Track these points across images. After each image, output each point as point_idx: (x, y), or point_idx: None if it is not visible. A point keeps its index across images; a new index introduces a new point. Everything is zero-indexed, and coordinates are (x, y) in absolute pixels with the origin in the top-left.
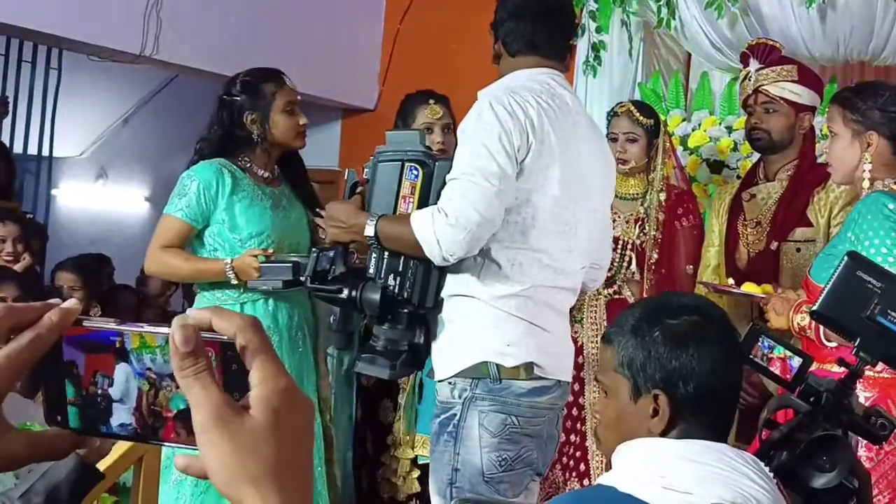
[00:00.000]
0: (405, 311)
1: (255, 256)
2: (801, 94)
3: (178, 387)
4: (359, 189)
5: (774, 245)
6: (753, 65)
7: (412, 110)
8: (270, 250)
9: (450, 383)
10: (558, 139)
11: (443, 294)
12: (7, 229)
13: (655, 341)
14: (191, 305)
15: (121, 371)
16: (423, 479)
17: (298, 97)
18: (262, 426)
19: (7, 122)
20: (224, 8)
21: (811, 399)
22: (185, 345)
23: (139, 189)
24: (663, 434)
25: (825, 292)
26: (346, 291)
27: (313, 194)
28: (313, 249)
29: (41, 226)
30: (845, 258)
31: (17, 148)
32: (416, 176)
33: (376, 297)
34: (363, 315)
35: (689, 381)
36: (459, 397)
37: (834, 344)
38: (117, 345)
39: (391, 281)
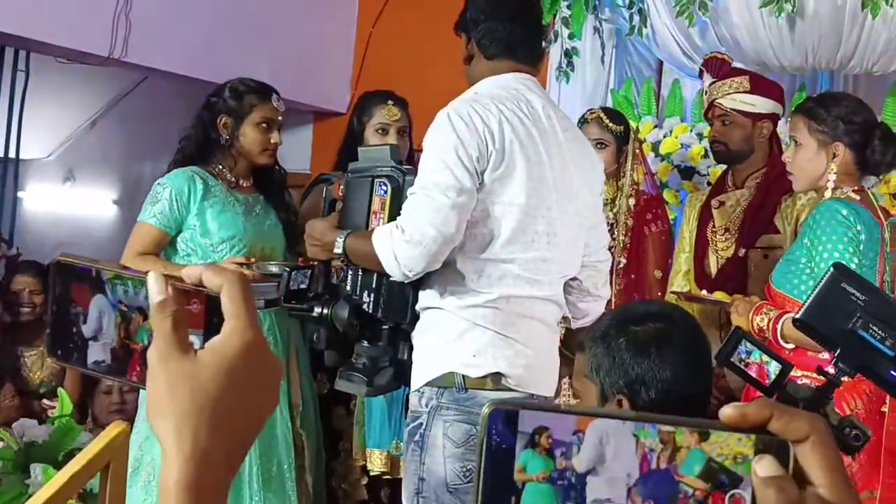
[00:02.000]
0: (385, 327)
1: (238, 263)
2: (756, 104)
3: (144, 318)
4: (338, 206)
5: (742, 252)
6: (707, 79)
7: (369, 108)
8: (252, 259)
9: (418, 392)
10: (522, 147)
11: (417, 307)
12: None
13: (620, 347)
14: None
15: (95, 305)
16: (372, 487)
17: (279, 117)
18: (205, 368)
19: None
20: (195, 9)
21: None
22: (157, 295)
23: (107, 192)
24: None
25: (809, 301)
26: (317, 309)
27: (288, 204)
28: (286, 269)
29: None
30: (831, 269)
31: None
32: (385, 192)
33: (345, 313)
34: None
35: (650, 387)
36: (426, 406)
37: (791, 346)
38: (93, 273)
39: (366, 297)
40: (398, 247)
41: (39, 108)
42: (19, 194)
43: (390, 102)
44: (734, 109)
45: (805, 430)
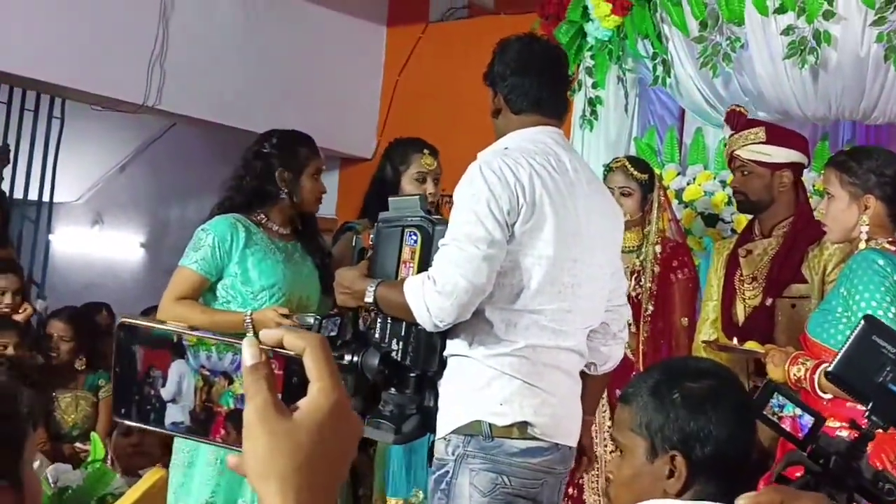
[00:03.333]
0: (412, 375)
1: (281, 314)
2: (772, 154)
3: (229, 383)
4: (367, 255)
5: (770, 301)
6: (726, 131)
7: (406, 157)
8: (287, 311)
9: (445, 440)
10: (552, 200)
11: (445, 354)
12: (7, 281)
13: (675, 403)
14: None
15: (175, 369)
16: None
17: (323, 166)
18: (302, 430)
19: (8, 168)
20: (225, 58)
21: (820, 461)
22: (250, 359)
23: (134, 235)
24: (678, 496)
25: (840, 355)
26: (347, 357)
27: (323, 249)
28: (316, 316)
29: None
30: (862, 322)
31: (18, 194)
32: (416, 241)
33: (375, 361)
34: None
35: (706, 444)
36: (452, 454)
37: (829, 396)
38: (174, 339)
39: (395, 345)
40: (430, 297)
41: (71, 153)
42: (49, 237)
43: (426, 151)
44: (751, 160)
45: (303, 343)
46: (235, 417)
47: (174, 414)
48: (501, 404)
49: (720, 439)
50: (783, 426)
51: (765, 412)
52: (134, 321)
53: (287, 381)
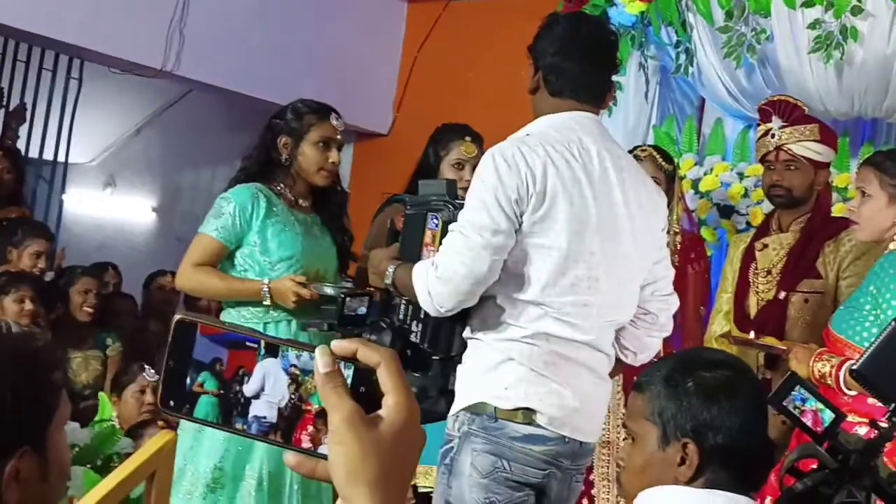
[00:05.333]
0: (435, 357)
1: (298, 283)
2: (822, 153)
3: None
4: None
5: (783, 295)
6: (776, 122)
7: (447, 143)
8: (304, 279)
9: (454, 416)
10: (566, 190)
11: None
12: (41, 245)
13: (688, 392)
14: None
15: (261, 367)
16: None
17: (338, 136)
18: (387, 438)
19: (24, 127)
20: (245, 27)
21: (838, 457)
22: (325, 367)
23: (146, 199)
24: (689, 483)
25: (868, 353)
26: (365, 336)
27: (345, 229)
28: (340, 294)
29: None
30: (892, 322)
31: (33, 153)
32: (437, 225)
33: (387, 341)
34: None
35: (718, 433)
36: (458, 430)
37: (853, 393)
38: (261, 342)
39: (415, 328)
40: (431, 283)
41: (87, 114)
42: (63, 197)
43: (468, 139)
44: (803, 157)
45: (378, 357)
46: (322, 414)
47: (259, 408)
48: (506, 388)
49: (732, 429)
50: (804, 420)
51: (785, 404)
52: (195, 319)
53: (355, 390)
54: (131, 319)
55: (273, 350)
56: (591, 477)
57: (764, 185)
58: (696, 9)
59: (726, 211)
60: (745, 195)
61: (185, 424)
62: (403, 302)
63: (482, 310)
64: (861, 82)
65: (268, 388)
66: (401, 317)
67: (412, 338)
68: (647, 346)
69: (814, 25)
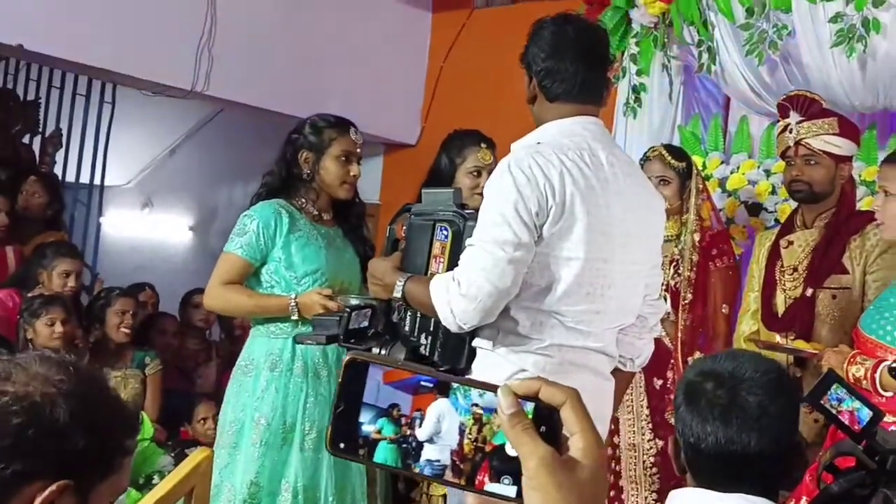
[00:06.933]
0: (442, 370)
1: (325, 296)
2: (842, 146)
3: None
4: (401, 246)
5: (810, 292)
6: (794, 117)
7: (462, 150)
8: (331, 291)
9: None
10: (583, 199)
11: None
12: (73, 265)
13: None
14: (227, 335)
15: (434, 409)
16: None
17: (358, 150)
18: (585, 482)
19: (60, 152)
20: (272, 44)
21: (875, 457)
22: (510, 408)
23: (183, 218)
24: None
25: None
26: (374, 350)
27: (366, 240)
28: (346, 308)
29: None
30: None
31: (70, 177)
32: (446, 236)
33: (401, 357)
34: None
35: (701, 441)
36: None
37: (889, 394)
38: (440, 381)
39: (423, 340)
40: (454, 300)
41: (122, 137)
42: (100, 219)
43: (484, 145)
44: (822, 151)
45: (563, 396)
46: (500, 453)
47: (432, 453)
48: None
49: (729, 441)
50: (842, 418)
51: (822, 402)
52: (367, 358)
53: (536, 428)
54: (174, 338)
55: (445, 390)
56: (621, 482)
57: (785, 181)
58: (717, 7)
59: (754, 209)
60: (773, 192)
61: (220, 441)
62: (409, 314)
63: (495, 323)
64: (885, 74)
65: (443, 430)
66: (406, 329)
67: (421, 350)
68: (640, 350)
69: (835, 19)
